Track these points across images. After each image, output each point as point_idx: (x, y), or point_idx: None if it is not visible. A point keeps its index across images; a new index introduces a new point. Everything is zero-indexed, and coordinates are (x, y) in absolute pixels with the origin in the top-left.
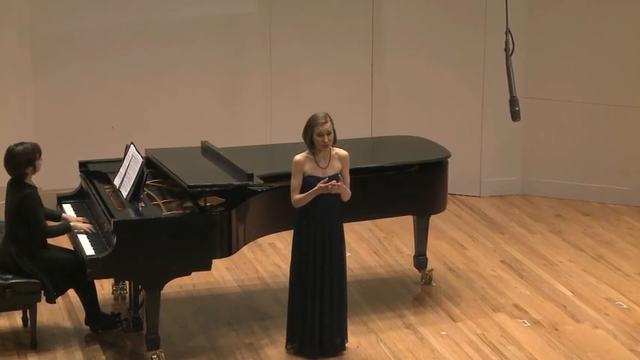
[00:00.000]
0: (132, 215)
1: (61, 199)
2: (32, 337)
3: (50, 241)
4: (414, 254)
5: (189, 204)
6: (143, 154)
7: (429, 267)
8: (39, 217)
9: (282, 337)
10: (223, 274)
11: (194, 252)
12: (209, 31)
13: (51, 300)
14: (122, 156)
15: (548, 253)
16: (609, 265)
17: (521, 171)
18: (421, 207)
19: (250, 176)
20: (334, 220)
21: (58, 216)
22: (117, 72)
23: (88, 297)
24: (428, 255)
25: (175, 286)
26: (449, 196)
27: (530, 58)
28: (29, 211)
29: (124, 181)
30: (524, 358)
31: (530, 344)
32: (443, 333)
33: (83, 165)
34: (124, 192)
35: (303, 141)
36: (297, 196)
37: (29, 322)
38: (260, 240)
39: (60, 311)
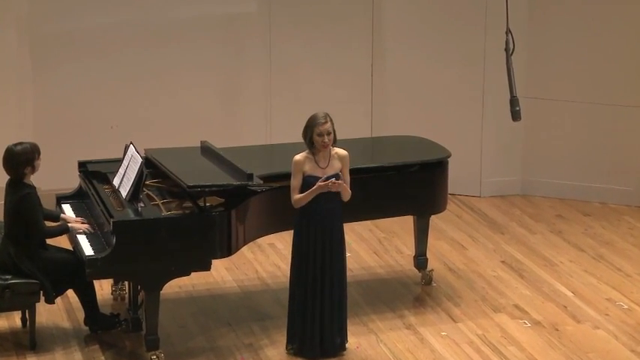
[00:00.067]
0: (131, 215)
1: (60, 199)
2: (31, 338)
3: (49, 241)
4: (414, 254)
5: (188, 204)
6: (142, 154)
7: (429, 267)
8: (38, 218)
9: (281, 338)
10: (223, 274)
11: (193, 252)
12: (209, 31)
13: (50, 300)
14: (121, 156)
15: (549, 254)
16: (610, 266)
17: (521, 171)
18: (421, 207)
19: (250, 176)
20: (334, 221)
21: (56, 216)
22: (116, 72)
23: (87, 297)
24: (428, 255)
25: (175, 287)
26: (449, 196)
27: (531, 58)
28: (28, 212)
29: (124, 181)
30: (525, 358)
31: (531, 345)
32: (443, 333)
33: (82, 165)
34: (124, 192)
35: (302, 141)
36: (296, 196)
37: (28, 322)
38: (260, 240)
39: (59, 312)
